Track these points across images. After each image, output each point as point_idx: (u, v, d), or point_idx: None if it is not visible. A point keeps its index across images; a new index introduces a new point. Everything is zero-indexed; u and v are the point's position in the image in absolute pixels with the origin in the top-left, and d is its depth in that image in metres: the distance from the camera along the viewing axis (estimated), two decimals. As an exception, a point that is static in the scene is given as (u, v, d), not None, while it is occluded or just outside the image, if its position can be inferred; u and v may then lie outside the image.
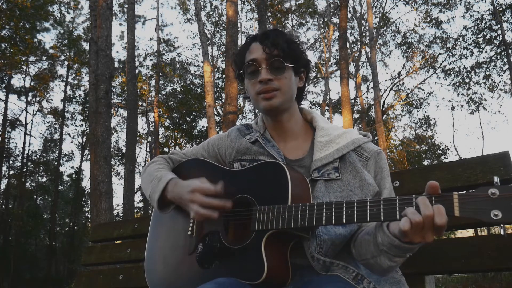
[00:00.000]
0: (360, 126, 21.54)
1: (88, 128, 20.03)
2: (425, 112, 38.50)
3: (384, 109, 20.96)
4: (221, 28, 21.60)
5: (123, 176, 18.42)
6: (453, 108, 22.00)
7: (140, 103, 21.61)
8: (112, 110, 13.29)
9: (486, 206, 0.87)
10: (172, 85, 24.23)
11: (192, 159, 1.50)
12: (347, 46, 17.50)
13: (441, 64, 21.43)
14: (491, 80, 20.22)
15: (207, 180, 1.27)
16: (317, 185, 1.23)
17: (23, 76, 22.64)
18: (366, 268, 1.17)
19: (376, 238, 1.05)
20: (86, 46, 21.83)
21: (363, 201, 1.03)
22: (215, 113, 15.90)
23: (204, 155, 1.50)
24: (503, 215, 0.85)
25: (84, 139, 25.00)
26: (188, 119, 22.45)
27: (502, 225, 0.88)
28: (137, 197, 19.11)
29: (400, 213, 0.96)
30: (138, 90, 19.93)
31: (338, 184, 1.24)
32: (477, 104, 20.89)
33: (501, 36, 18.01)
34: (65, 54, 23.16)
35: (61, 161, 25.07)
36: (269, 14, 17.59)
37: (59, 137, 25.24)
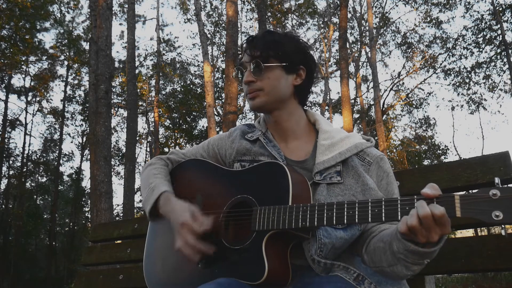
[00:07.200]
0: (360, 126, 21.55)
1: (88, 128, 20.05)
2: (425, 112, 38.65)
3: (384, 109, 20.96)
4: (221, 28, 21.59)
5: (123, 176, 18.45)
6: (453, 108, 22.05)
7: (140, 103, 21.61)
8: (112, 110, 13.29)
9: (487, 207, 0.87)
10: (172, 85, 24.25)
11: (192, 159, 1.50)
12: (347, 46, 17.50)
13: (441, 64, 21.47)
14: (491, 80, 20.25)
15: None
16: (319, 189, 1.23)
17: (23, 76, 22.66)
18: (380, 275, 1.15)
19: (392, 246, 1.03)
20: (86, 46, 21.85)
21: (364, 202, 1.03)
22: (215, 113, 15.89)
23: (203, 155, 1.50)
24: (504, 216, 0.85)
25: (84, 139, 25.00)
26: (188, 119, 22.43)
27: (503, 226, 0.89)
28: (137, 197, 19.10)
29: (401, 213, 0.96)
30: (138, 90, 19.92)
31: (340, 188, 1.23)
32: (477, 104, 20.92)
33: (501, 36, 18.01)
34: (65, 54, 23.16)
35: (61, 161, 25.07)
36: (269, 14, 17.59)
37: (59, 137, 25.24)
